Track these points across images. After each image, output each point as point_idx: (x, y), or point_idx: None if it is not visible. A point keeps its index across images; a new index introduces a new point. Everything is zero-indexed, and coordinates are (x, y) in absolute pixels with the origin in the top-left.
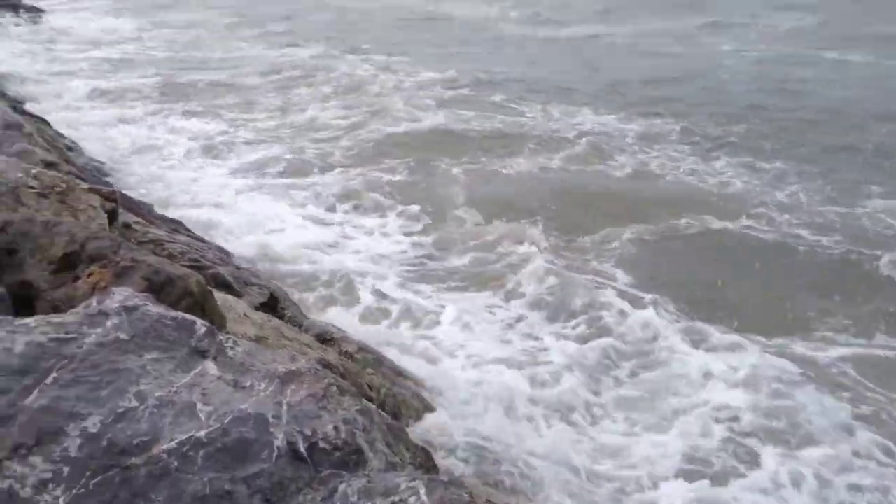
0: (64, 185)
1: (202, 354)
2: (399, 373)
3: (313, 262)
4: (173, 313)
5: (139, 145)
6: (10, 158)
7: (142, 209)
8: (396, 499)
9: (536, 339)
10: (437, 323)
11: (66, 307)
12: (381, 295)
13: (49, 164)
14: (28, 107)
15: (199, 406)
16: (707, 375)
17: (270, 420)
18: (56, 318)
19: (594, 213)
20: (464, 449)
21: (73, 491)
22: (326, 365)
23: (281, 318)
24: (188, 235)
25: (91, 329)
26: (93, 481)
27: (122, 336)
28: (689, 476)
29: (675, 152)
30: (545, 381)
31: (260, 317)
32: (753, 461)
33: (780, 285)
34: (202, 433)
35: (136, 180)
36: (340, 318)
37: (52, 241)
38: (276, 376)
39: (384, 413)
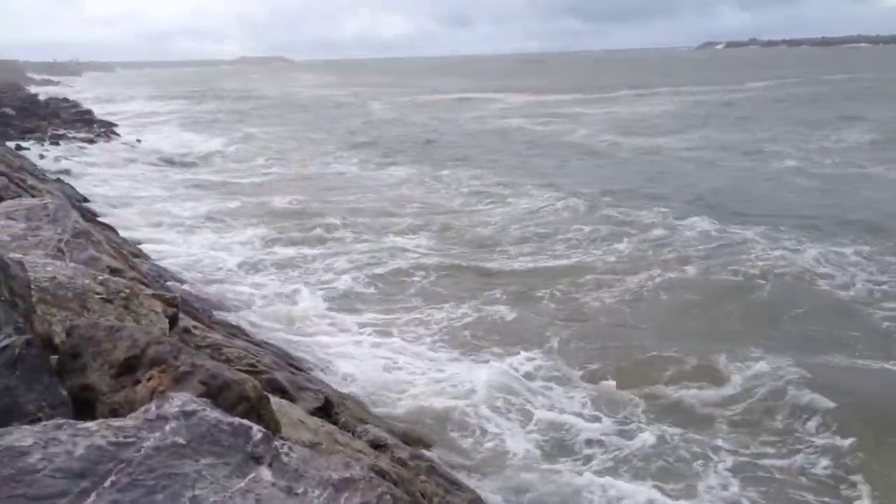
0: (128, 291)
1: (257, 460)
2: (453, 481)
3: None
4: (230, 419)
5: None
6: (78, 265)
7: (201, 314)
8: None
9: None
10: None
11: (125, 411)
12: None
13: (114, 271)
14: (94, 207)
15: None
16: None
17: None
18: (116, 422)
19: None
20: None
21: None
22: (380, 472)
23: (335, 423)
24: (246, 340)
25: (149, 433)
26: None
27: (180, 441)
28: None
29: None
30: None
31: (314, 422)
32: None
33: None
34: None
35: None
36: None
37: (114, 346)
38: (329, 483)
39: None
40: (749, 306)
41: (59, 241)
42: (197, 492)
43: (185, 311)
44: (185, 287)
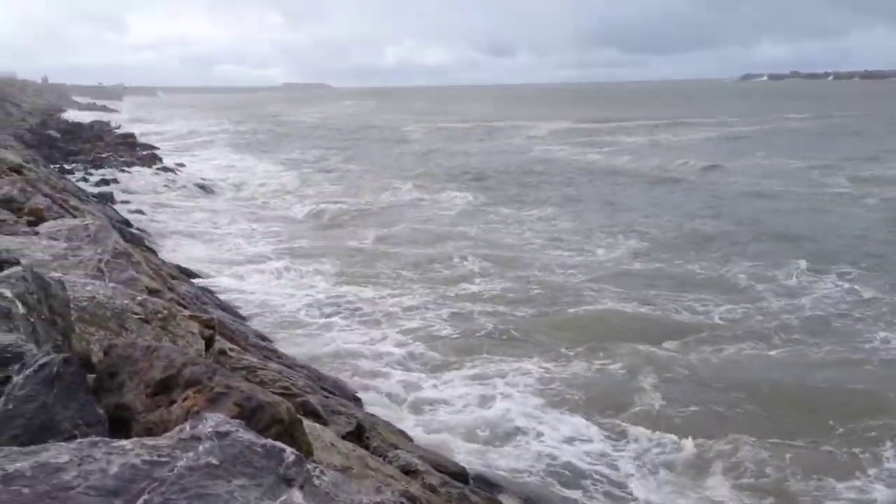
0: (166, 312)
1: (289, 483)
2: None
3: None
4: (263, 440)
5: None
6: (117, 285)
7: (237, 336)
8: None
9: None
10: None
11: (160, 430)
12: None
13: (153, 292)
14: (135, 229)
15: None
16: None
17: None
18: (150, 441)
19: None
20: None
21: None
22: (410, 497)
23: (366, 447)
24: (280, 363)
25: (183, 453)
26: None
27: (213, 461)
28: None
29: None
30: None
31: (346, 446)
32: None
33: None
34: None
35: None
36: None
37: (150, 366)
38: None
39: None
40: None
41: (100, 261)
42: None
43: (222, 333)
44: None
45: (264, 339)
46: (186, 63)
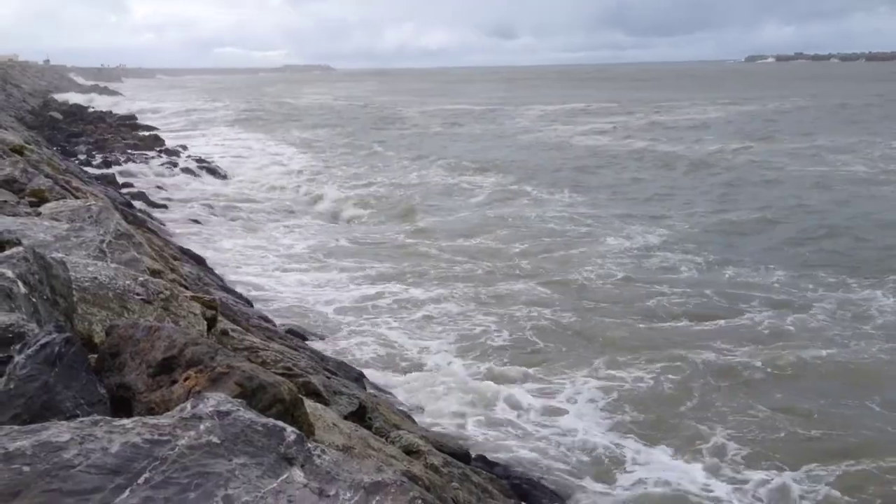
0: (167, 293)
1: (290, 461)
2: (485, 489)
3: None
4: (264, 419)
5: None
6: (119, 266)
7: (240, 317)
8: None
9: None
10: None
11: (161, 410)
12: None
13: (155, 273)
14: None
15: None
16: None
17: None
18: (151, 420)
19: None
20: None
21: None
22: (412, 477)
23: (368, 428)
24: (282, 343)
25: (184, 432)
26: None
27: (214, 440)
28: None
29: None
30: None
31: (348, 426)
32: None
33: None
34: None
35: None
36: None
37: (152, 346)
38: (361, 487)
39: None
40: None
41: (102, 242)
42: (230, 491)
43: (224, 314)
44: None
45: (267, 320)
46: (187, 45)
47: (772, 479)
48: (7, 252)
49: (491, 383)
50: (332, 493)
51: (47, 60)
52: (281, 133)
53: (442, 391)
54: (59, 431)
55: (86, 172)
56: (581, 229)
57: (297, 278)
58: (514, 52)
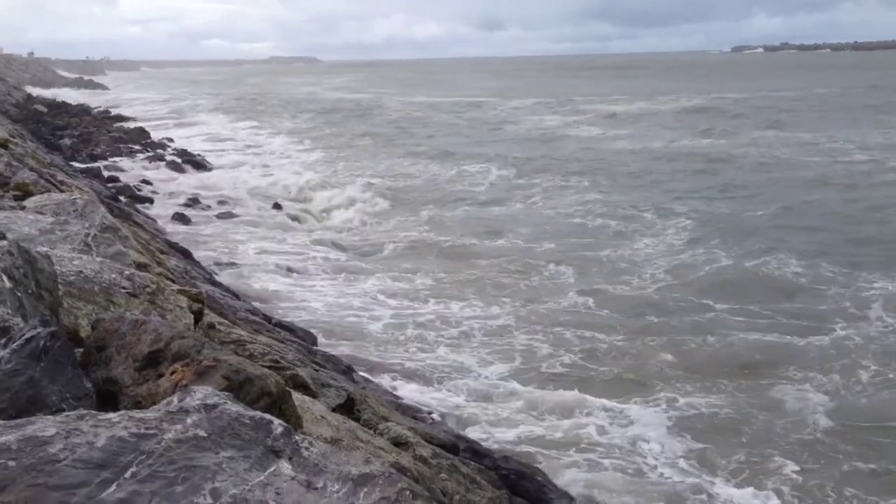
0: (154, 286)
1: (277, 454)
2: (473, 479)
3: None
4: (251, 412)
5: None
6: (105, 260)
7: (226, 310)
8: None
9: None
10: None
11: (148, 403)
12: None
13: (141, 266)
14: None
15: None
16: None
17: None
18: (138, 414)
19: None
20: None
21: None
22: (400, 469)
23: (357, 420)
24: (270, 336)
25: (171, 425)
26: None
27: (201, 433)
28: None
29: None
30: None
31: (336, 418)
32: None
33: None
34: None
35: None
36: None
37: (138, 339)
38: (349, 479)
39: None
40: None
41: (87, 235)
42: (217, 484)
43: (211, 307)
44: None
45: (254, 312)
46: (175, 37)
47: None
48: None
49: (554, 406)
50: (319, 485)
51: (31, 53)
52: (266, 121)
53: (502, 416)
54: (44, 426)
55: (71, 166)
56: (605, 225)
57: (314, 286)
58: (501, 44)
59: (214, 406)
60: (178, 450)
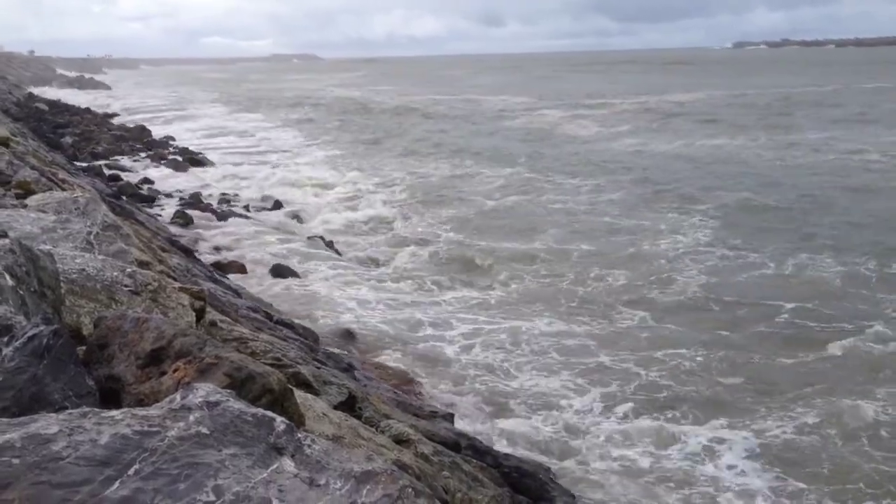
0: (156, 284)
1: (280, 451)
2: (475, 477)
3: None
4: (253, 410)
5: None
6: (107, 258)
7: (229, 308)
8: None
9: None
10: None
11: (150, 401)
12: None
13: (143, 264)
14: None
15: (275, 503)
16: None
17: None
18: (140, 412)
19: None
20: None
21: None
22: (402, 466)
23: (358, 417)
24: (272, 334)
25: (173, 423)
26: None
27: (203, 430)
28: None
29: None
30: None
31: (338, 416)
32: None
33: None
34: None
35: None
36: None
37: (140, 337)
38: (351, 476)
39: None
40: None
41: (89, 233)
42: (220, 481)
43: (213, 305)
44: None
45: (255, 310)
46: (174, 35)
47: None
48: None
49: (648, 435)
50: (322, 482)
51: (32, 51)
52: (264, 118)
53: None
54: (47, 424)
55: (72, 164)
56: (637, 225)
57: (357, 295)
58: (501, 40)
59: (217, 403)
60: (181, 447)
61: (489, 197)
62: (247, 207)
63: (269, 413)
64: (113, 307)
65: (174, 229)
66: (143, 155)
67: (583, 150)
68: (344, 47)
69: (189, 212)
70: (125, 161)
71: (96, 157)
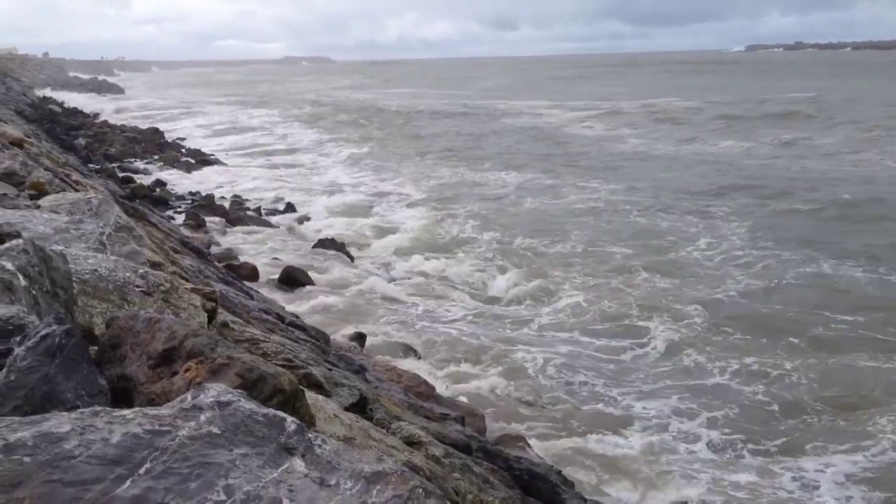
0: (168, 285)
1: (290, 451)
2: (486, 479)
3: None
4: (264, 410)
5: None
6: (119, 259)
7: (240, 309)
8: None
9: None
10: None
11: (162, 401)
12: None
13: (155, 265)
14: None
15: (286, 502)
16: None
17: None
18: (152, 411)
19: None
20: None
21: None
22: (413, 467)
23: (369, 419)
24: (283, 335)
25: (184, 422)
26: None
27: (214, 430)
28: None
29: None
30: None
31: (349, 417)
32: None
33: None
34: None
35: None
36: None
37: (152, 337)
38: (362, 476)
39: None
40: None
41: (101, 234)
42: (230, 481)
43: (224, 306)
44: None
45: (267, 312)
46: (188, 38)
47: None
48: (7, 245)
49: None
50: (332, 482)
51: (46, 54)
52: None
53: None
54: (59, 422)
55: (86, 166)
56: (672, 226)
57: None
58: (513, 44)
59: (228, 403)
60: (192, 446)
61: (507, 197)
62: (259, 210)
63: (280, 413)
64: (125, 307)
65: (186, 231)
66: (155, 157)
67: (606, 152)
68: (355, 50)
69: (201, 214)
70: (138, 163)
71: (109, 158)
